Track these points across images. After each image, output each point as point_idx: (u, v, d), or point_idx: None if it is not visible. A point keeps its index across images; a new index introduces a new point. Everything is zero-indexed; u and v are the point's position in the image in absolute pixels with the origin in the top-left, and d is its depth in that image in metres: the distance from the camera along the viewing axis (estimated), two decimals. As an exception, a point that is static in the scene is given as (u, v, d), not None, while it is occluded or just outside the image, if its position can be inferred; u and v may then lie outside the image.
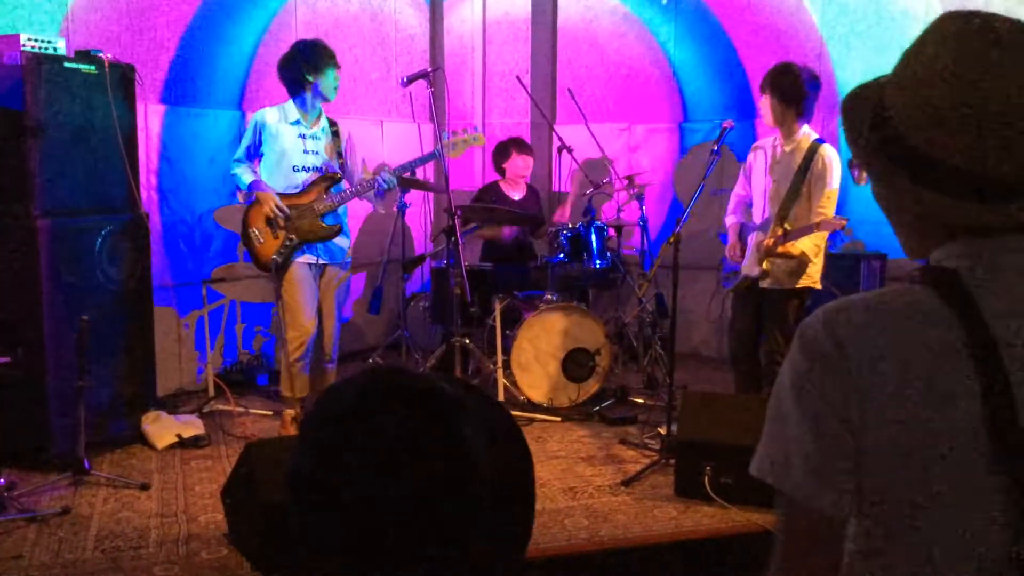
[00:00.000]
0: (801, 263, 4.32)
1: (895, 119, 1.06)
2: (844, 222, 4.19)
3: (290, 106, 4.69)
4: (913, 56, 1.07)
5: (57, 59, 4.07)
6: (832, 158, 4.30)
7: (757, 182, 4.55)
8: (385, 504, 0.83)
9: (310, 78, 4.61)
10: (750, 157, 4.66)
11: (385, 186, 4.80)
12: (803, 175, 4.30)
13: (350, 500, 0.84)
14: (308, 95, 4.65)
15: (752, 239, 4.51)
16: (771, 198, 4.43)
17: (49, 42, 4.04)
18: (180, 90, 5.34)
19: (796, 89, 4.27)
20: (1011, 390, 0.98)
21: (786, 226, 4.31)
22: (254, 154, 4.70)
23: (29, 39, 3.95)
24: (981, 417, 0.98)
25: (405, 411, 0.86)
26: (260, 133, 4.66)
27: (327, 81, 4.66)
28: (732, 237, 4.64)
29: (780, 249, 4.27)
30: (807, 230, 4.24)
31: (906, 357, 1.02)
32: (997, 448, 0.97)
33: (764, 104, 4.38)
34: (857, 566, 1.09)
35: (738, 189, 4.73)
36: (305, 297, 4.67)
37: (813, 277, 4.40)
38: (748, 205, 4.65)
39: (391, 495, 0.83)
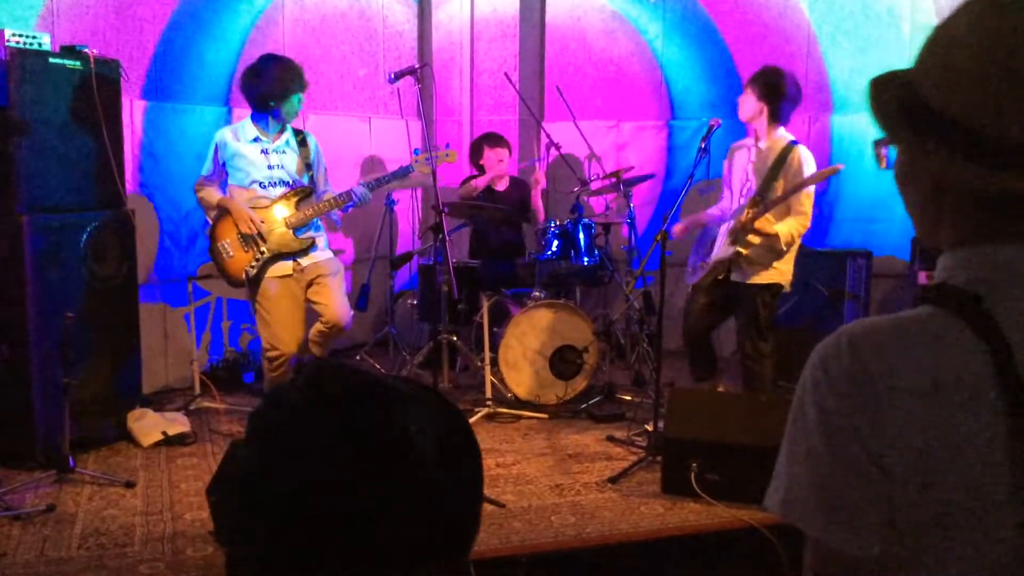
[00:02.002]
0: (773, 248, 4.32)
1: (920, 86, 1.03)
2: (839, 167, 4.23)
3: (248, 124, 4.56)
4: (942, 26, 1.03)
5: (41, 54, 4.04)
6: (807, 158, 4.35)
7: (737, 180, 4.57)
8: (325, 500, 0.83)
9: (272, 104, 4.48)
10: (728, 160, 4.67)
11: (359, 201, 4.68)
12: (776, 172, 4.33)
13: (290, 496, 0.84)
14: (268, 117, 4.53)
15: (724, 228, 4.52)
16: (748, 195, 4.47)
17: (34, 37, 4.02)
18: (164, 86, 5.31)
19: (775, 88, 4.34)
20: None
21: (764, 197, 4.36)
22: (219, 174, 4.57)
23: (13, 34, 3.93)
24: (1008, 457, 0.95)
25: (349, 409, 0.87)
26: (221, 153, 4.53)
27: (290, 106, 4.53)
28: (689, 220, 4.67)
29: (757, 224, 4.27)
30: (784, 196, 4.26)
31: (936, 390, 0.98)
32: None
33: (743, 98, 4.43)
34: None
35: (724, 203, 4.73)
36: (284, 314, 4.54)
37: (784, 274, 4.42)
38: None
39: (333, 489, 0.83)
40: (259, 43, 5.77)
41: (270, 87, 4.44)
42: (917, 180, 1.08)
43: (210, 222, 4.63)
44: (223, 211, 4.52)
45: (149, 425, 4.48)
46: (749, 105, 4.38)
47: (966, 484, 0.97)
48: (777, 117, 4.39)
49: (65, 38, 4.55)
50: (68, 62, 4.15)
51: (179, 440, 4.46)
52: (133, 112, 5.06)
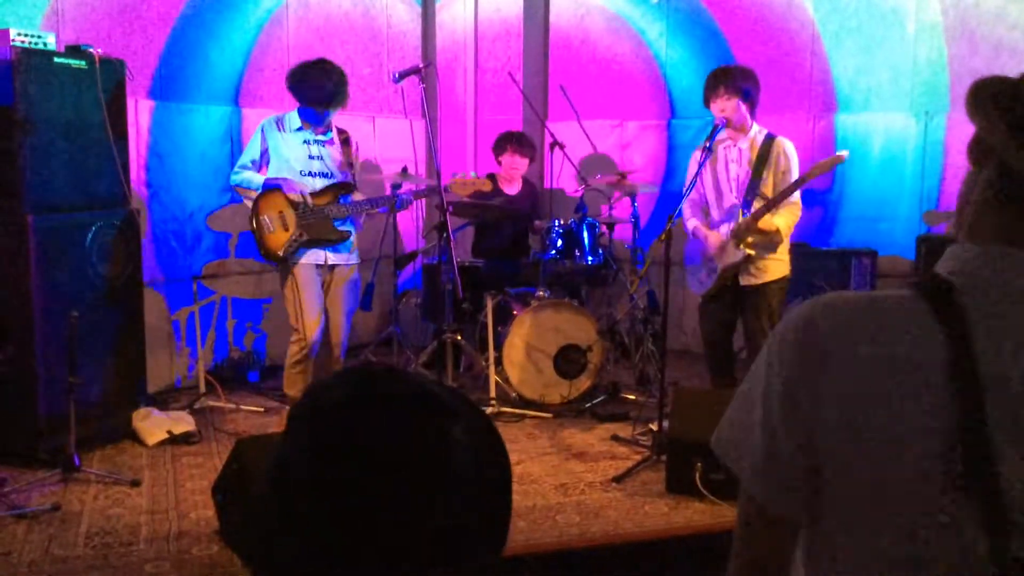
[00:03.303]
0: (775, 243, 4.34)
1: None
2: (844, 154, 4.23)
3: (293, 116, 4.71)
4: None
5: (47, 54, 4.04)
6: (791, 150, 4.41)
7: (722, 178, 4.54)
8: (371, 500, 0.84)
9: (324, 112, 4.64)
10: (700, 158, 4.62)
11: (401, 206, 4.92)
12: (762, 167, 4.36)
13: (337, 494, 0.84)
14: (313, 115, 4.66)
15: (724, 229, 4.49)
16: (740, 193, 4.47)
17: (39, 37, 4.02)
18: (170, 85, 5.31)
19: (752, 86, 4.40)
20: (986, 430, 0.95)
21: (764, 196, 4.34)
22: (261, 163, 4.70)
23: (19, 34, 3.93)
24: (946, 449, 0.96)
25: (398, 412, 0.87)
26: (266, 141, 4.67)
27: (330, 117, 4.73)
28: (706, 231, 4.57)
29: (760, 224, 4.28)
30: (790, 189, 4.26)
31: (884, 368, 0.99)
32: (967, 487, 0.95)
33: (726, 105, 4.38)
34: (804, 569, 1.09)
35: (692, 194, 4.69)
36: (311, 301, 4.67)
37: (787, 263, 4.46)
38: (703, 207, 4.64)
39: (378, 492, 0.84)
40: (264, 44, 5.78)
41: (334, 96, 4.61)
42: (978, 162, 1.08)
43: (248, 204, 4.72)
44: (270, 187, 4.61)
45: (154, 424, 4.49)
46: (731, 107, 4.38)
47: (901, 462, 0.99)
48: (754, 111, 4.46)
49: (71, 38, 4.56)
50: (73, 62, 4.16)
51: (184, 439, 4.47)
52: (139, 112, 5.07)
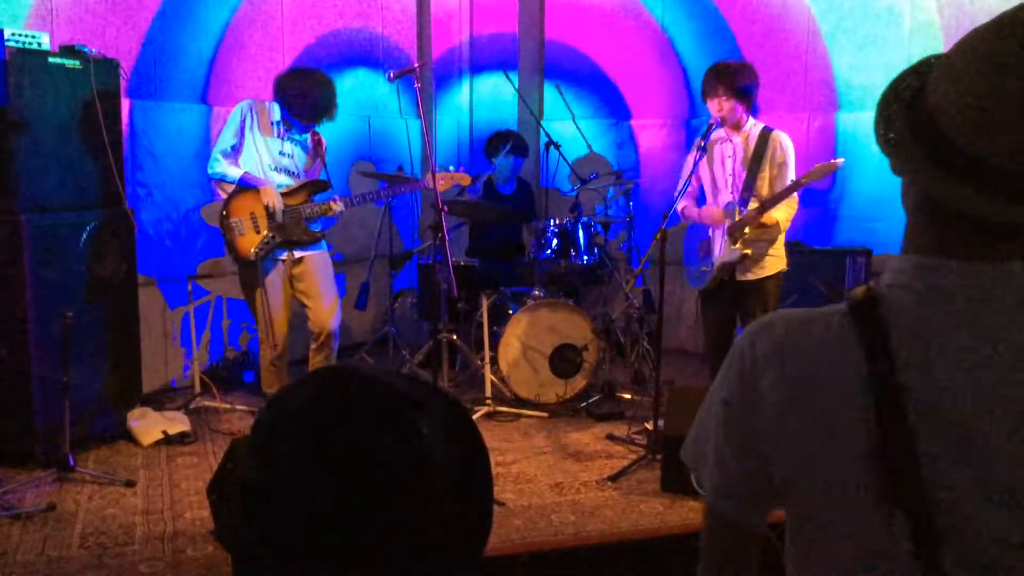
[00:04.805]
0: (770, 236, 4.33)
1: (935, 111, 0.98)
2: (839, 162, 4.21)
3: (275, 108, 4.69)
4: (965, 46, 0.97)
5: (41, 54, 4.04)
6: (788, 144, 4.39)
7: (720, 176, 4.54)
8: (341, 509, 0.83)
9: (310, 125, 4.67)
10: (695, 157, 4.62)
11: (385, 201, 4.92)
12: (759, 161, 4.35)
13: (306, 499, 0.83)
14: (291, 117, 4.65)
15: (720, 229, 4.48)
16: (737, 189, 4.47)
17: (33, 37, 4.02)
18: (164, 85, 5.29)
19: (747, 85, 4.38)
20: (913, 444, 0.95)
21: (758, 199, 4.33)
22: (239, 147, 4.65)
23: (13, 33, 3.93)
24: (873, 464, 0.97)
25: (362, 412, 0.86)
26: (243, 126, 4.63)
27: (310, 126, 4.73)
28: (698, 209, 4.55)
29: (762, 219, 4.27)
30: (786, 192, 4.25)
31: (812, 386, 1.02)
32: (893, 498, 0.97)
33: (724, 106, 4.37)
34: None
35: (688, 190, 4.69)
36: (278, 299, 4.68)
37: (783, 258, 4.45)
38: (699, 200, 4.64)
39: (346, 500, 0.83)
40: (259, 41, 5.76)
41: (317, 108, 4.60)
42: (914, 193, 1.12)
43: (223, 197, 4.69)
44: (243, 187, 4.57)
45: (149, 424, 4.49)
46: (727, 107, 4.37)
47: (835, 476, 1.01)
48: (752, 108, 4.45)
49: (64, 37, 4.55)
50: (67, 61, 4.15)
51: (179, 439, 4.46)
52: (133, 111, 5.06)
